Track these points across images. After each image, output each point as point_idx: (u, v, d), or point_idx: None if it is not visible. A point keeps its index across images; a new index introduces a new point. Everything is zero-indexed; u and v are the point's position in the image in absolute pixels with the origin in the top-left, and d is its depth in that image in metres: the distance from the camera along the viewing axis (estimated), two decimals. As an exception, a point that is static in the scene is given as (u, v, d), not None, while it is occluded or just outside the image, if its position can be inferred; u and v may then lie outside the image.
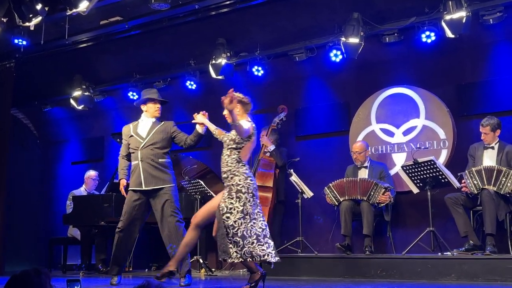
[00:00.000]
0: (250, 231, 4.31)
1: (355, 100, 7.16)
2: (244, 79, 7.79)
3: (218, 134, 4.84)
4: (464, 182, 5.54)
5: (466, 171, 5.56)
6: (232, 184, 4.40)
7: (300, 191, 6.44)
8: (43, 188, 9.77)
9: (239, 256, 4.26)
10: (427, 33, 6.35)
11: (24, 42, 7.38)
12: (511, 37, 6.32)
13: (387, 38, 6.63)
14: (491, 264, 5.04)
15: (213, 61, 7.36)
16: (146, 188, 5.19)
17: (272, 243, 4.37)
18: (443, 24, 6.05)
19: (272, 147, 6.81)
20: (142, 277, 6.45)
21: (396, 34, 6.58)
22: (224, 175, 4.50)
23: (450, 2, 5.97)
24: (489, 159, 5.69)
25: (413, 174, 5.71)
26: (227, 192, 4.41)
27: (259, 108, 7.91)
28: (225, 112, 4.47)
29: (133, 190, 5.24)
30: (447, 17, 6.00)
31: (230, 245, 4.29)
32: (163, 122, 5.45)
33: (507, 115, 6.18)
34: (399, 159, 6.67)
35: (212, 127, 5.00)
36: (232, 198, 4.36)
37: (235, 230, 4.28)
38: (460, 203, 5.59)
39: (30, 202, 9.42)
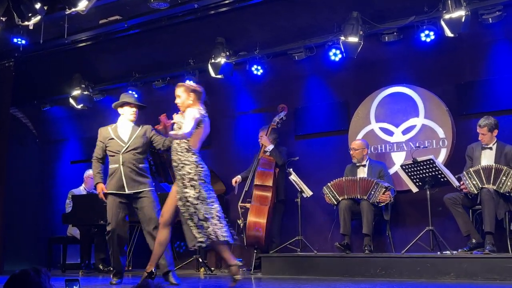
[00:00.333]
0: (211, 212, 4.55)
1: (355, 99, 7.15)
2: (243, 78, 7.79)
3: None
4: (463, 184, 5.54)
5: (464, 172, 5.56)
6: (184, 174, 4.61)
7: (300, 190, 6.45)
8: (43, 187, 9.76)
9: (206, 235, 4.49)
10: (426, 32, 6.35)
11: (23, 41, 7.37)
12: (510, 36, 6.32)
13: (386, 37, 6.63)
14: (490, 263, 5.05)
15: (212, 60, 7.36)
16: (128, 192, 5.29)
17: (225, 223, 4.63)
18: (442, 23, 6.05)
19: (271, 147, 6.80)
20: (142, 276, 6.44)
21: (395, 33, 6.57)
22: (175, 164, 4.68)
23: (449, 1, 5.96)
24: (487, 159, 5.67)
25: (412, 173, 5.71)
26: (180, 183, 4.62)
27: (258, 107, 7.95)
28: (177, 101, 4.78)
29: (115, 194, 5.32)
30: (446, 16, 6.00)
31: (196, 230, 4.52)
32: (141, 126, 5.56)
33: (506, 114, 6.18)
34: (398, 158, 6.66)
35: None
36: (186, 188, 4.58)
37: (197, 215, 4.52)
38: (460, 202, 5.60)
39: (29, 201, 9.42)
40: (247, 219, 6.53)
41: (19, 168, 9.19)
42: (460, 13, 5.92)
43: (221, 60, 7.31)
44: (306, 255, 6.27)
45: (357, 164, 6.46)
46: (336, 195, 6.21)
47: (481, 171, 5.44)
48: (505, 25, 6.18)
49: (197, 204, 4.53)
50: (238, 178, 6.91)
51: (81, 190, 8.08)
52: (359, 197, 6.10)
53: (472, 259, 5.18)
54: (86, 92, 8.54)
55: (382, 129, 6.88)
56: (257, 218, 6.51)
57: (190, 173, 4.59)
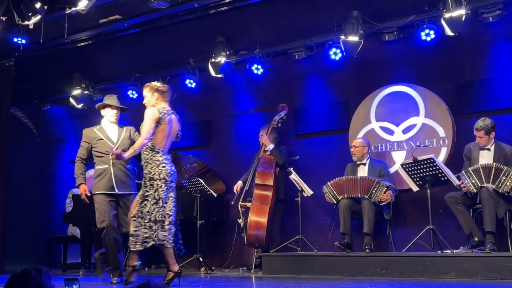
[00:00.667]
0: (162, 215, 4.64)
1: (355, 98, 7.15)
2: (244, 77, 7.79)
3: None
4: (463, 183, 5.54)
5: (463, 171, 5.56)
6: (145, 173, 4.72)
7: (300, 189, 6.45)
8: (43, 187, 9.77)
9: (152, 238, 4.61)
10: (427, 31, 6.35)
11: (24, 41, 7.37)
12: (510, 35, 6.31)
13: (386, 36, 6.63)
14: (491, 262, 5.04)
15: (213, 60, 7.36)
16: (118, 192, 5.36)
17: (174, 229, 4.74)
18: (443, 22, 6.04)
19: (271, 146, 6.80)
20: (142, 275, 6.44)
21: (395, 32, 6.57)
22: (142, 163, 4.79)
23: (449, 0, 5.96)
24: (485, 160, 5.66)
25: (412, 172, 5.71)
26: (143, 181, 4.74)
27: (258, 107, 7.95)
28: (144, 101, 4.91)
29: (105, 193, 5.36)
30: (447, 15, 6.00)
31: (144, 230, 4.62)
32: (125, 128, 5.64)
33: (506, 113, 6.18)
34: (399, 157, 6.66)
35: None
36: (146, 186, 4.70)
37: (150, 216, 4.62)
38: (460, 201, 5.60)
39: (29, 201, 9.41)
40: (248, 218, 6.54)
41: (19, 168, 9.19)
42: (460, 12, 5.92)
43: (221, 59, 7.31)
44: (307, 254, 6.27)
45: (358, 163, 6.46)
46: (336, 194, 6.21)
47: (480, 170, 5.44)
48: (505, 24, 6.18)
49: (152, 205, 4.63)
50: (239, 184, 6.92)
51: (82, 189, 8.06)
52: (359, 196, 6.10)
53: (472, 258, 5.18)
54: (86, 92, 8.54)
55: (382, 128, 6.88)
56: (257, 217, 6.52)
57: (151, 172, 4.68)
